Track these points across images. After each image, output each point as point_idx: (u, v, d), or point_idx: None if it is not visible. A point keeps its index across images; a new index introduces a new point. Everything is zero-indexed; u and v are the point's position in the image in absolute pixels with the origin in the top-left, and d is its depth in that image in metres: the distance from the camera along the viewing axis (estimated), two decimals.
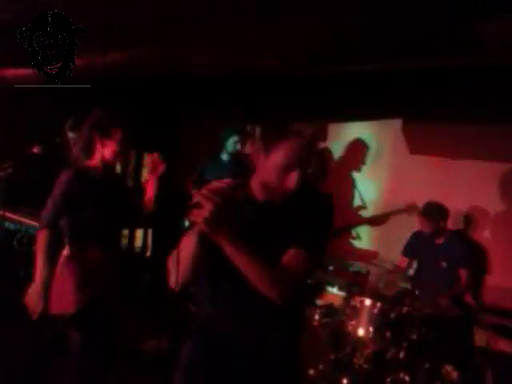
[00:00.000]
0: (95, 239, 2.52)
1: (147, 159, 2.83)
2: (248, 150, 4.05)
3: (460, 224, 4.12)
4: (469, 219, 4.12)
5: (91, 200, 2.49)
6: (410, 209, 4.29)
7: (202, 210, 1.37)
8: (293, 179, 1.54)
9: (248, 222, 1.55)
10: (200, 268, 1.56)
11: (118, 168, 2.76)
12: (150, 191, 2.77)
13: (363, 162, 4.73)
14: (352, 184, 4.80)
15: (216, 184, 1.47)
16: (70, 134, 3.70)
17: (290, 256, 1.54)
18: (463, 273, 3.73)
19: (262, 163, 1.58)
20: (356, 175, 4.79)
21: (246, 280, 1.49)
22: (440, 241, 3.85)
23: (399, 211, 4.38)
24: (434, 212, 3.78)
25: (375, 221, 4.58)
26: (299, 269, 1.54)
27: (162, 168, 2.78)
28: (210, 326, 1.69)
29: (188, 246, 1.49)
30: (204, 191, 1.41)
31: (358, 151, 4.78)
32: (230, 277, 1.52)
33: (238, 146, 4.11)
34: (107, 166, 2.57)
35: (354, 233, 4.67)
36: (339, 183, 4.84)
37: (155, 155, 2.78)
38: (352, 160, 4.82)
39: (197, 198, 1.38)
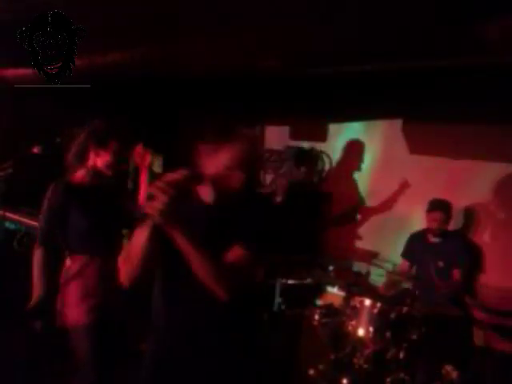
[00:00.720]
0: (93, 249, 2.48)
1: (134, 153, 2.80)
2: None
3: (458, 224, 4.13)
4: (468, 219, 4.12)
5: (82, 210, 2.44)
6: (402, 187, 4.33)
7: (156, 201, 1.37)
8: (236, 180, 1.59)
9: (194, 219, 1.57)
10: (152, 262, 1.58)
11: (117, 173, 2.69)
12: (144, 186, 2.75)
13: (362, 160, 4.74)
14: (353, 183, 4.81)
15: (171, 175, 1.46)
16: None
17: (233, 254, 1.58)
18: (456, 272, 3.74)
19: (208, 164, 1.61)
20: (357, 174, 4.79)
21: (196, 276, 1.50)
22: (437, 240, 3.85)
23: (395, 193, 4.41)
24: (442, 204, 3.77)
25: (371, 208, 4.62)
26: (242, 265, 1.58)
27: (148, 158, 2.76)
28: (162, 322, 1.70)
29: (141, 239, 1.50)
30: (158, 183, 1.41)
31: (355, 151, 4.78)
32: (181, 272, 1.53)
33: None
34: (98, 175, 2.50)
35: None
36: (340, 182, 4.85)
37: (139, 147, 2.76)
38: (350, 160, 4.83)
39: (151, 190, 1.39)
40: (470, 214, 4.12)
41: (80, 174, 2.49)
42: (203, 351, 1.66)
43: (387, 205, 4.50)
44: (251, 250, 1.61)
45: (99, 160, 2.47)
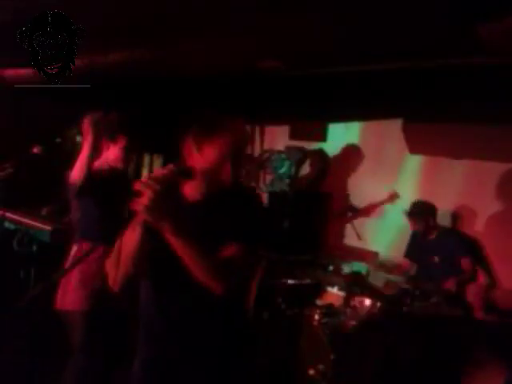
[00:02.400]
0: (101, 238, 2.53)
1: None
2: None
3: (454, 223, 4.15)
4: (460, 219, 4.15)
5: (93, 201, 2.51)
6: (391, 198, 4.35)
7: (143, 197, 1.35)
8: (227, 173, 1.57)
9: (185, 215, 1.53)
10: (142, 262, 1.55)
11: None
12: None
13: (358, 164, 4.74)
14: (350, 184, 4.81)
15: (158, 171, 1.45)
16: (79, 138, 3.71)
17: (228, 249, 1.55)
18: (464, 261, 3.76)
19: (196, 159, 1.59)
20: (357, 175, 4.79)
21: (189, 274, 1.47)
22: (432, 236, 3.89)
23: (382, 202, 4.43)
24: (421, 210, 3.83)
25: (361, 212, 4.63)
26: (238, 261, 1.55)
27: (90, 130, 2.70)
28: (154, 329, 1.67)
29: (131, 237, 1.47)
30: (144, 179, 1.39)
31: (351, 156, 4.79)
32: (173, 270, 1.50)
33: None
34: (110, 167, 2.59)
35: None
36: (338, 183, 4.85)
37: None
38: (347, 163, 4.84)
39: (137, 187, 1.36)
40: (462, 213, 4.15)
41: (96, 165, 2.60)
42: (201, 353, 1.64)
43: (372, 210, 4.55)
44: (246, 244, 1.58)
45: (110, 153, 2.58)
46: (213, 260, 1.51)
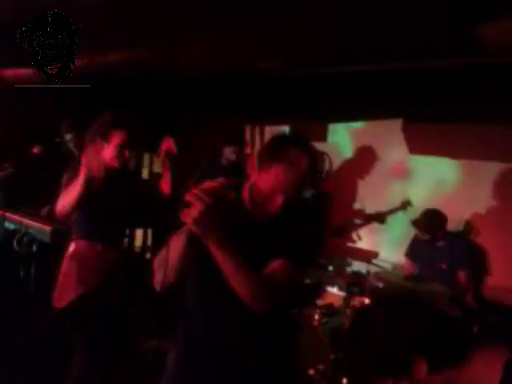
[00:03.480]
0: (97, 236, 2.54)
1: (162, 143, 2.86)
2: (244, 160, 4.07)
3: (459, 226, 4.12)
4: (468, 221, 4.11)
5: (90, 200, 2.51)
6: (404, 205, 4.29)
7: (192, 209, 1.35)
8: (278, 202, 1.55)
9: (235, 228, 1.51)
10: (186, 270, 1.55)
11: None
12: (167, 176, 2.84)
13: (368, 172, 4.72)
14: (354, 186, 4.80)
15: (208, 183, 1.44)
16: (67, 136, 3.71)
17: (274, 266, 1.53)
18: (461, 274, 3.72)
19: (254, 177, 1.59)
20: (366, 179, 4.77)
21: (230, 287, 1.47)
22: (440, 243, 3.81)
23: (394, 210, 4.38)
24: (429, 223, 3.73)
25: (372, 219, 4.58)
26: (282, 279, 1.53)
27: (172, 147, 2.84)
28: (193, 331, 1.68)
29: (176, 245, 1.47)
30: (195, 190, 1.39)
31: (367, 160, 4.75)
32: (216, 281, 1.49)
33: (233, 157, 4.10)
34: (107, 167, 2.58)
35: (356, 235, 4.66)
36: (342, 184, 4.84)
37: (166, 138, 2.85)
38: (358, 166, 4.80)
39: (187, 198, 1.36)
40: (469, 216, 4.11)
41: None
42: (239, 361, 1.64)
43: (382, 217, 4.50)
44: (297, 263, 1.55)
45: (104, 153, 2.55)
46: (255, 277, 1.49)
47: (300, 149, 1.57)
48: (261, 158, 1.58)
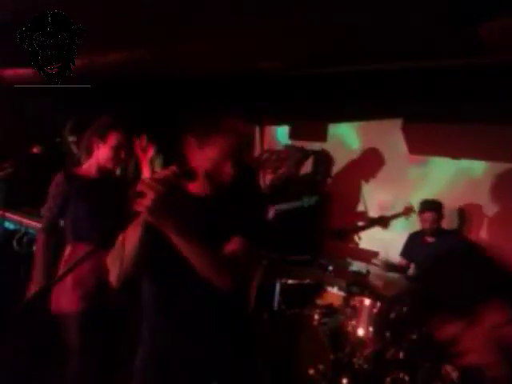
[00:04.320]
0: (90, 237, 2.52)
1: (136, 143, 2.82)
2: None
3: (455, 224, 4.14)
4: (463, 219, 4.14)
5: (83, 200, 2.51)
6: (407, 211, 4.30)
7: (145, 198, 1.35)
8: (227, 171, 1.61)
9: (188, 213, 1.54)
10: (143, 261, 1.56)
11: (118, 171, 2.74)
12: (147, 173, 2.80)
13: (373, 176, 4.71)
14: (358, 189, 4.78)
15: (161, 172, 1.45)
16: (70, 138, 3.71)
17: (232, 244, 1.57)
18: None
19: (196, 157, 1.62)
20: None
21: (191, 273, 1.48)
22: (432, 239, 3.89)
23: (397, 215, 4.38)
24: (432, 204, 3.84)
25: (375, 223, 4.58)
26: (242, 255, 1.57)
27: (151, 150, 2.82)
28: (155, 326, 1.69)
29: (132, 237, 1.48)
30: (146, 180, 1.39)
31: (372, 162, 4.74)
32: (176, 269, 1.51)
33: None
34: (101, 168, 2.58)
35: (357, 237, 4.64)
36: (345, 186, 4.84)
37: (142, 139, 2.80)
38: (364, 168, 4.79)
39: (140, 187, 1.36)
40: (465, 213, 4.14)
41: (86, 167, 2.62)
42: (201, 351, 1.65)
43: (385, 221, 4.50)
44: (250, 239, 1.59)
45: (100, 153, 2.56)
46: (217, 256, 1.52)
47: (235, 120, 1.65)
48: (199, 136, 1.62)
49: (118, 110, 2.65)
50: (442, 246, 3.80)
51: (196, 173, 1.55)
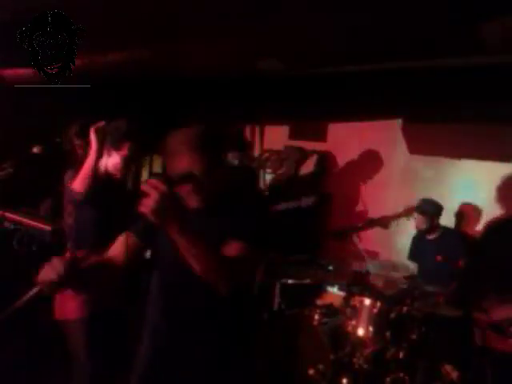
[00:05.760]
0: (93, 244, 2.50)
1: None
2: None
3: (457, 223, 4.15)
4: (462, 218, 4.16)
5: (88, 205, 2.48)
6: (408, 212, 4.31)
7: (148, 199, 1.35)
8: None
9: (191, 217, 1.54)
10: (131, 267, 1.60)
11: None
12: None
13: (373, 176, 4.72)
14: (358, 189, 4.79)
15: (165, 174, 1.47)
16: (77, 141, 3.69)
17: (231, 247, 1.56)
18: (459, 263, 3.76)
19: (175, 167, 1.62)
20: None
21: (192, 274, 1.48)
22: (433, 236, 3.91)
23: (398, 215, 4.38)
24: (428, 208, 3.85)
25: (375, 224, 4.58)
26: (242, 259, 1.56)
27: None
28: (155, 326, 1.70)
29: (119, 247, 1.54)
30: (150, 180, 1.40)
31: (372, 162, 4.74)
32: (176, 270, 1.52)
33: (236, 163, 4.09)
34: (107, 174, 2.56)
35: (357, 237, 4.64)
36: (345, 186, 4.84)
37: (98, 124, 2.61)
38: (363, 169, 4.79)
39: (143, 188, 1.37)
40: (464, 213, 4.16)
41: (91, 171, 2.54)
42: (201, 351, 1.65)
43: (386, 222, 4.50)
44: (249, 242, 1.59)
45: (110, 160, 2.53)
46: (219, 258, 1.52)
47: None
48: (166, 152, 1.65)
49: (135, 119, 2.60)
50: (445, 240, 3.83)
51: (195, 175, 1.56)
